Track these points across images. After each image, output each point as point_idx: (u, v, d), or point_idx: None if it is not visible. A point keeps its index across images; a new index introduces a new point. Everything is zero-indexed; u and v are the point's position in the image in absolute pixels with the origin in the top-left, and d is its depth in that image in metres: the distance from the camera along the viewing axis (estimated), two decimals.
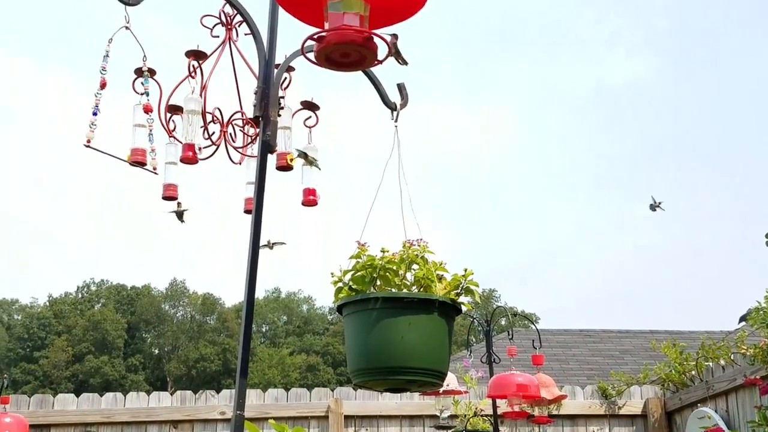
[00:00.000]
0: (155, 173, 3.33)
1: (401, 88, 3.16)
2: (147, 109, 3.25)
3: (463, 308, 2.64)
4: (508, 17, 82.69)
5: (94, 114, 3.03)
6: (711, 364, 6.67)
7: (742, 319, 6.34)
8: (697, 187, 78.20)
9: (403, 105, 3.13)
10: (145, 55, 3.23)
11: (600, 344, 14.48)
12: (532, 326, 6.89)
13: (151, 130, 3.27)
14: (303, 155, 3.55)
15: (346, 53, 2.38)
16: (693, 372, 6.98)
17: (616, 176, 78.83)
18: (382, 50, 2.42)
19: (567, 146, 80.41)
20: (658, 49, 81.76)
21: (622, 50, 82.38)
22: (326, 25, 2.35)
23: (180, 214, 3.98)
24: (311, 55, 2.42)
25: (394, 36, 2.46)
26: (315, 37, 2.37)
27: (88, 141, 3.01)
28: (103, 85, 3.04)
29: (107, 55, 3.06)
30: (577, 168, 79.96)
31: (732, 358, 6.35)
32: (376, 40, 2.37)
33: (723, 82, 79.46)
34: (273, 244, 3.81)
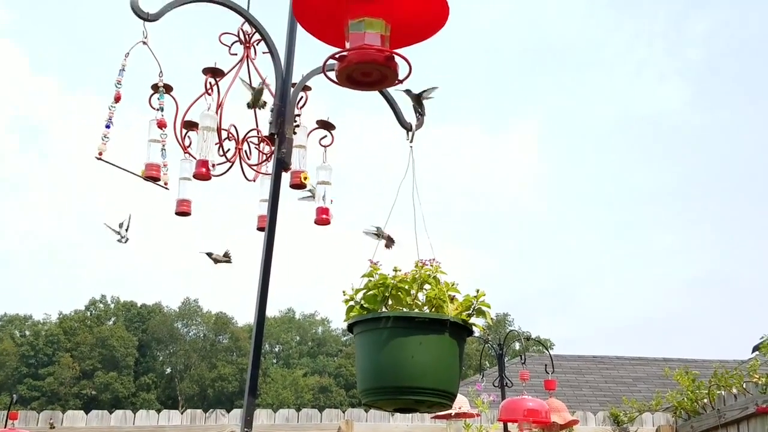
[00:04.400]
0: (167, 188, 3.33)
1: (416, 108, 3.16)
2: (161, 125, 3.26)
3: (475, 330, 2.62)
4: (536, 43, 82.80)
5: (107, 127, 3.03)
6: (723, 392, 6.62)
7: (755, 348, 6.29)
8: (718, 217, 77.94)
9: (419, 125, 3.13)
10: (161, 71, 3.24)
11: (613, 371, 14.38)
12: (546, 351, 6.86)
13: (164, 146, 3.27)
14: None
15: (368, 72, 2.39)
16: (705, 400, 6.92)
17: (638, 206, 78.68)
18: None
19: (591, 174, 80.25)
20: (688, 77, 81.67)
21: (651, 78, 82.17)
22: (347, 45, 2.36)
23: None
24: (332, 74, 2.42)
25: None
26: (337, 56, 2.37)
27: (100, 154, 3.01)
28: (117, 99, 3.04)
29: (123, 69, 3.07)
30: (599, 196, 79.80)
31: (744, 386, 6.29)
32: (397, 59, 2.38)
33: (751, 112, 79.01)
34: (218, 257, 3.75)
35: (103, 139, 3.00)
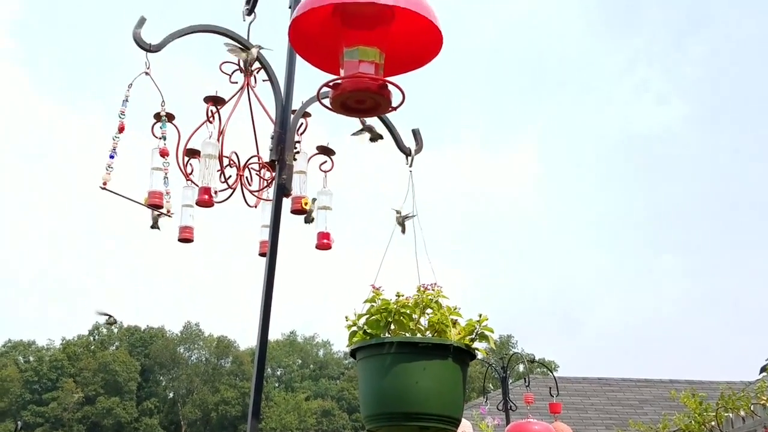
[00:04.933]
0: (170, 216, 3.36)
1: (416, 133, 3.18)
2: (164, 153, 3.28)
3: (478, 354, 2.61)
4: (535, 64, 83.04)
5: (111, 157, 3.05)
6: (731, 415, 6.58)
7: (763, 369, 6.25)
8: (722, 238, 77.88)
9: (418, 150, 3.15)
10: (163, 100, 3.26)
11: (619, 393, 14.31)
12: (550, 373, 6.84)
13: (166, 174, 3.30)
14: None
15: (361, 100, 2.40)
16: (713, 423, 6.88)
17: (641, 226, 78.65)
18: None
19: (595, 194, 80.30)
20: (687, 98, 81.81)
21: (651, 99, 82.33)
22: (342, 73, 2.38)
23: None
24: (327, 102, 2.44)
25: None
26: (331, 84, 2.39)
27: (104, 183, 3.03)
28: (121, 129, 3.07)
29: (126, 100, 3.09)
30: (603, 216, 79.82)
31: (752, 409, 6.26)
32: (391, 87, 2.39)
33: (749, 134, 79.06)
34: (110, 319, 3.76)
35: (107, 169, 3.02)
